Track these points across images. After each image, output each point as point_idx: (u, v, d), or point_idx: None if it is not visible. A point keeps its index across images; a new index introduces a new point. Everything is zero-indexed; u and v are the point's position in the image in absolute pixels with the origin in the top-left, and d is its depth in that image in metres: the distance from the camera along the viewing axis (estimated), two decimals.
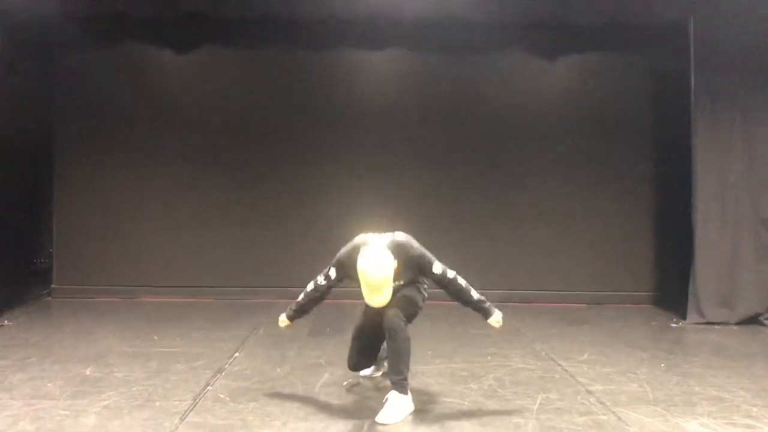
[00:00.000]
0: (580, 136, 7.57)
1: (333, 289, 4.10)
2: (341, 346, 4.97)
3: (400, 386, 3.74)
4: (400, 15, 6.84)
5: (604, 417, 3.78)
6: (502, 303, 7.16)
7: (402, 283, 3.91)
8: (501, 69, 7.63)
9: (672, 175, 7.38)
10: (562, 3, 6.72)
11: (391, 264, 3.69)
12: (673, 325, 6.50)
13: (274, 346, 5.37)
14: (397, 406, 3.70)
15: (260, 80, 7.64)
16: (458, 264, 7.66)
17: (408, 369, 3.81)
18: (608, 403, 4.01)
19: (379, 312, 3.84)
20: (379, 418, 3.64)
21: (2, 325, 5.98)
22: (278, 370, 4.66)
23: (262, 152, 7.59)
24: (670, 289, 7.28)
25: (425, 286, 4.16)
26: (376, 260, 3.66)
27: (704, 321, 6.48)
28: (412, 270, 3.91)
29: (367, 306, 3.99)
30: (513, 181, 7.61)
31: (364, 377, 4.47)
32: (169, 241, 7.57)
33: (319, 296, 4.11)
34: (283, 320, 4.24)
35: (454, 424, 3.64)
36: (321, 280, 4.06)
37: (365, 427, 3.58)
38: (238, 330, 5.91)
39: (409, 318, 3.94)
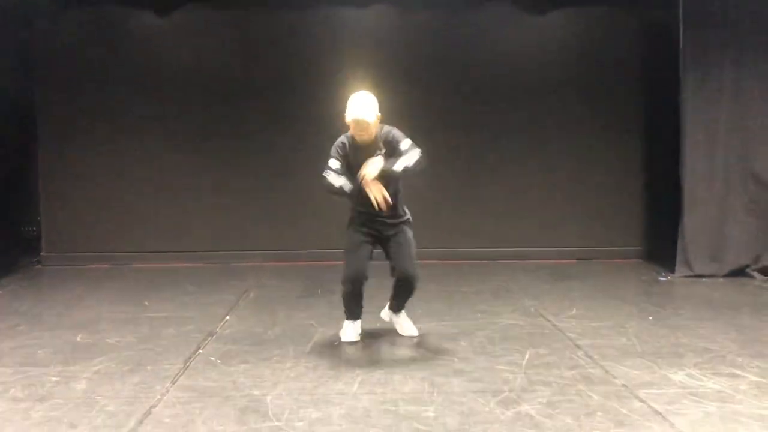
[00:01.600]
0: (569, 91, 7.49)
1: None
2: (332, 307, 5.00)
3: (403, 307, 4.57)
4: None
5: (592, 370, 3.82)
6: (492, 260, 7.32)
7: (383, 152, 4.13)
8: (488, 23, 7.50)
9: (661, 129, 7.34)
10: None
11: (376, 104, 4.10)
12: (662, 279, 6.55)
13: (265, 308, 5.38)
14: (409, 320, 4.60)
15: (243, 40, 7.50)
16: (447, 221, 7.70)
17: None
18: (596, 357, 4.05)
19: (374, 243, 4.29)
20: (409, 332, 4.53)
21: None
22: (269, 332, 4.68)
23: (247, 113, 7.49)
24: (660, 243, 7.30)
25: (410, 220, 4.41)
26: (365, 92, 4.12)
27: (693, 274, 6.51)
28: (390, 146, 4.13)
29: (358, 226, 4.27)
30: (501, 137, 7.56)
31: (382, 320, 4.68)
32: (158, 207, 7.52)
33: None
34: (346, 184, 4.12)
35: (443, 380, 3.67)
36: (335, 169, 4.12)
37: (355, 385, 3.60)
38: (228, 293, 5.92)
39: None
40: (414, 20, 7.48)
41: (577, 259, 7.46)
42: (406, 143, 4.09)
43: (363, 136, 4.08)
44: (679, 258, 6.61)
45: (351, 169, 4.14)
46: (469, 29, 7.48)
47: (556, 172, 7.57)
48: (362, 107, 4.03)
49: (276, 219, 7.53)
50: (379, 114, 4.13)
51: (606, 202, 7.59)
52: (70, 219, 7.46)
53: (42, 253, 7.49)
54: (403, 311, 4.60)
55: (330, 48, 7.44)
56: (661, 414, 3.16)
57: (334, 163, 4.13)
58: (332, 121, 7.34)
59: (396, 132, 4.16)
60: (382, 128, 4.18)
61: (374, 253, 4.36)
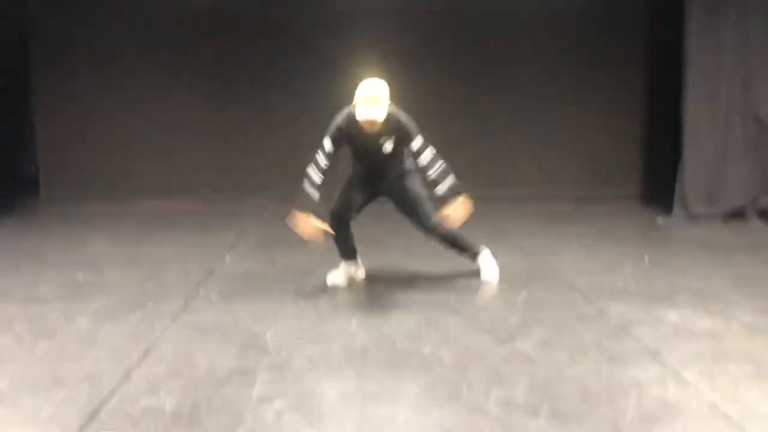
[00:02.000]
0: (569, 34, 7.38)
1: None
2: (332, 248, 5.01)
3: (477, 253, 4.46)
4: None
5: (586, 309, 3.89)
6: (490, 203, 7.31)
7: (390, 148, 4.10)
8: None
9: (663, 72, 7.25)
10: None
11: (387, 92, 3.99)
12: (659, 221, 6.58)
13: (265, 249, 5.43)
14: (492, 260, 4.45)
15: None
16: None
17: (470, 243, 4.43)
18: (591, 296, 4.11)
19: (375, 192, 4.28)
20: (489, 278, 4.39)
21: None
22: (269, 271, 4.74)
23: (251, 56, 7.39)
24: (659, 186, 7.30)
25: (413, 170, 4.28)
26: (376, 80, 4.00)
27: (690, 216, 6.54)
28: (398, 135, 4.07)
29: (357, 179, 4.27)
30: (500, 81, 7.47)
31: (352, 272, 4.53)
32: (158, 149, 7.49)
33: (325, 176, 4.11)
34: (312, 225, 4.10)
35: (439, 318, 3.73)
36: (321, 158, 4.07)
37: (353, 323, 3.66)
38: (228, 234, 5.96)
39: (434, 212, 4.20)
40: None
41: (575, 202, 7.45)
42: (417, 141, 4.04)
43: (371, 129, 3.97)
44: (676, 200, 6.63)
45: (350, 145, 4.13)
46: None
47: (555, 115, 7.52)
48: (372, 106, 3.88)
49: (276, 161, 7.49)
50: (389, 103, 4.01)
51: (604, 145, 7.57)
52: (69, 161, 7.45)
53: (41, 194, 7.49)
54: (479, 256, 4.46)
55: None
56: (652, 351, 3.22)
57: (327, 145, 4.05)
58: (335, 64, 7.29)
59: (404, 119, 4.05)
60: (388, 115, 4.00)
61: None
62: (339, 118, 4.08)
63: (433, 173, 4.03)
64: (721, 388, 2.82)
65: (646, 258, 5.09)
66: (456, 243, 4.39)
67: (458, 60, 7.45)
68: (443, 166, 4.04)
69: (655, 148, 7.50)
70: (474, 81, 7.48)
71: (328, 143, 4.06)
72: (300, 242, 5.59)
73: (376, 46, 7.21)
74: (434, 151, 4.06)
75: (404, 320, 3.72)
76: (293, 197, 7.39)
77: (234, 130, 7.52)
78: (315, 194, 4.06)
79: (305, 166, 7.69)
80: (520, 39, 7.40)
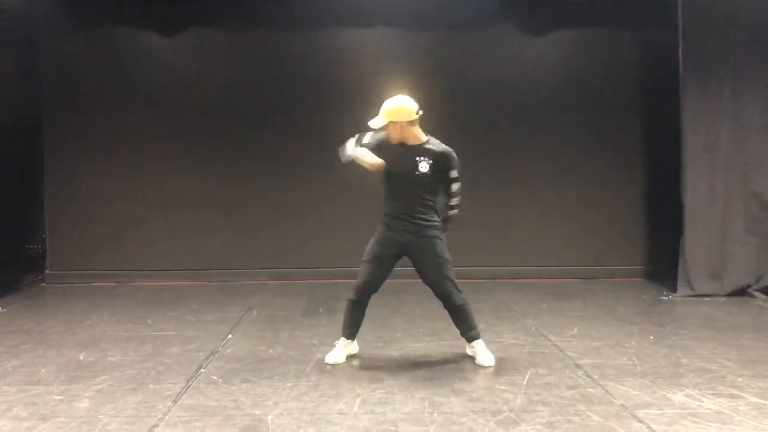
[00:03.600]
0: (569, 111, 7.56)
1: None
2: (334, 326, 5.01)
3: (477, 335, 4.40)
4: None
5: (592, 390, 3.84)
6: (492, 279, 7.33)
7: (425, 171, 4.16)
8: (489, 45, 7.60)
9: (662, 149, 7.38)
10: None
11: (416, 106, 4.23)
12: (663, 298, 6.56)
13: (267, 327, 5.41)
14: (485, 349, 4.37)
15: (248, 61, 7.59)
16: (449, 241, 7.72)
17: (476, 324, 4.41)
18: (596, 377, 4.07)
19: (397, 254, 4.30)
20: (484, 362, 4.30)
21: None
22: (271, 351, 4.70)
23: (252, 133, 7.57)
24: (661, 262, 7.34)
25: (439, 226, 4.36)
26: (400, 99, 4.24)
27: (694, 294, 6.53)
28: (435, 160, 4.19)
29: (384, 236, 4.29)
30: (502, 158, 7.61)
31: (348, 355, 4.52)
32: (162, 225, 7.58)
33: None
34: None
35: (443, 400, 3.69)
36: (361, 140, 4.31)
37: (356, 405, 3.63)
38: (231, 312, 5.95)
39: (455, 282, 4.31)
40: (416, 41, 7.56)
41: (579, 278, 7.47)
42: (455, 172, 4.23)
43: (396, 139, 4.18)
44: (680, 277, 6.63)
45: (385, 158, 4.25)
46: (471, 51, 7.57)
47: (557, 191, 7.61)
48: (394, 110, 4.16)
49: (279, 237, 7.58)
50: (417, 117, 4.22)
51: (607, 221, 7.62)
52: (75, 237, 7.51)
53: (47, 271, 7.53)
54: (476, 340, 4.40)
55: (334, 68, 7.52)
56: None
57: (367, 138, 4.27)
58: (337, 141, 7.44)
59: (447, 150, 4.24)
60: (429, 140, 4.26)
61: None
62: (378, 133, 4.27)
63: (452, 201, 4.29)
64: None
65: (651, 337, 5.06)
66: (468, 319, 4.38)
67: (457, 137, 7.45)
68: (459, 201, 4.32)
69: (659, 225, 7.56)
70: (473, 158, 7.54)
71: (367, 137, 4.28)
72: (303, 318, 5.64)
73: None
74: (460, 188, 4.28)
75: (407, 401, 3.68)
76: (297, 273, 7.41)
77: (239, 207, 7.61)
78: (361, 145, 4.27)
79: (310, 243, 7.76)
80: (520, 116, 7.56)
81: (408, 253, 4.27)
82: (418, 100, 7.42)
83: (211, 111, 7.55)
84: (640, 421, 3.35)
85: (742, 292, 6.57)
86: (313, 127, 7.39)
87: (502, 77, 7.57)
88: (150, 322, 5.62)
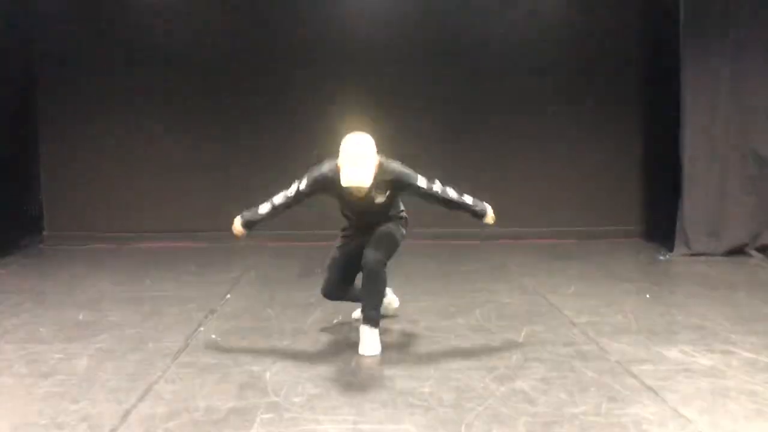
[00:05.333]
0: (567, 71, 7.48)
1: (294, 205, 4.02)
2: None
3: (374, 322, 3.87)
4: None
5: (587, 347, 3.87)
6: (490, 240, 7.34)
7: (383, 200, 3.84)
8: (486, 4, 7.47)
9: (661, 108, 7.31)
10: None
11: (374, 147, 3.68)
12: (661, 257, 6.58)
13: (265, 287, 5.44)
14: (375, 338, 3.85)
15: (248, 20, 7.45)
16: None
17: (381, 307, 3.97)
18: (591, 334, 4.10)
19: (358, 245, 3.94)
20: (363, 351, 3.80)
21: None
22: (269, 310, 4.74)
23: (254, 93, 7.48)
24: (659, 222, 7.32)
25: (405, 218, 4.14)
26: (360, 136, 3.71)
27: (691, 253, 6.54)
28: (393, 187, 3.83)
29: (343, 237, 4.13)
30: (500, 117, 7.54)
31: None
32: (160, 186, 7.54)
33: (281, 210, 4.04)
34: (238, 228, 4.12)
35: (439, 357, 3.73)
36: (291, 191, 3.94)
37: (353, 362, 3.66)
38: (229, 272, 5.97)
39: (389, 257, 3.93)
40: (409, 2, 7.43)
41: (577, 239, 7.48)
42: (422, 182, 3.80)
43: (358, 190, 3.67)
44: (677, 237, 6.64)
45: (336, 198, 3.95)
46: (466, 10, 7.44)
47: (555, 151, 7.57)
48: (357, 169, 3.55)
49: None
50: (378, 156, 3.71)
51: (605, 181, 7.60)
52: (71, 198, 7.49)
53: (44, 233, 7.54)
54: (366, 326, 3.84)
55: (328, 28, 7.41)
56: (653, 389, 3.21)
57: (300, 185, 3.89)
58: (330, 103, 7.40)
59: (397, 169, 3.77)
60: (380, 169, 3.69)
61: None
62: (326, 167, 3.79)
63: (458, 200, 3.97)
64: (723, 425, 2.81)
65: (648, 295, 5.09)
66: (375, 292, 3.88)
67: (454, 98, 7.52)
68: (454, 189, 3.98)
69: (656, 184, 7.53)
70: (471, 119, 7.55)
71: (302, 184, 3.86)
72: (300, 279, 5.67)
73: (374, 85, 7.32)
74: (440, 184, 3.90)
75: (404, 358, 3.72)
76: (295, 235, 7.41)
77: (236, 168, 7.57)
78: (252, 216, 4.09)
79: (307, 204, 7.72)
80: (517, 76, 7.46)
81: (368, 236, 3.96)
82: (413, 62, 7.46)
83: (207, 70, 7.45)
84: (634, 376, 3.39)
85: (739, 251, 6.58)
86: (314, 87, 7.30)
87: (500, 37, 7.45)
88: (149, 282, 5.65)
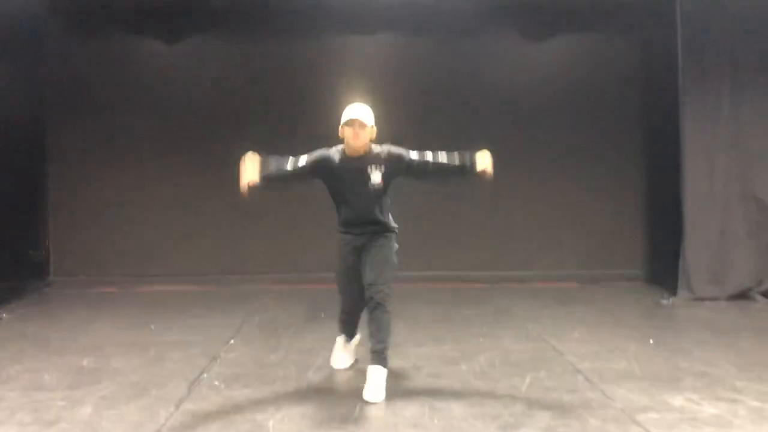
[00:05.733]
0: (569, 116, 7.60)
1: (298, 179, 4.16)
2: (334, 331, 5.02)
3: (383, 358, 3.89)
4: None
5: (592, 394, 3.86)
6: (494, 284, 7.36)
7: (378, 180, 3.93)
8: (490, 51, 7.65)
9: (661, 153, 7.41)
10: None
11: (373, 117, 3.96)
12: (664, 302, 6.57)
13: (269, 332, 5.44)
14: (382, 381, 3.84)
15: (250, 68, 7.65)
16: (449, 244, 7.77)
17: (390, 340, 3.96)
18: (596, 381, 4.08)
19: (357, 259, 4.02)
20: (368, 397, 3.78)
21: (0, 318, 6.04)
22: (272, 356, 4.73)
23: (255, 140, 7.51)
24: (662, 266, 7.34)
25: (396, 231, 4.12)
26: (361, 104, 3.98)
27: (694, 297, 6.54)
28: (388, 163, 3.94)
29: (344, 246, 4.07)
30: (503, 161, 7.53)
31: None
32: (165, 230, 7.62)
33: (291, 179, 4.16)
34: (253, 177, 4.00)
35: (443, 405, 3.70)
36: (297, 162, 4.02)
37: (357, 410, 3.65)
38: (233, 317, 5.97)
39: (391, 284, 3.99)
40: (418, 48, 7.64)
41: (580, 282, 7.49)
42: (413, 154, 3.94)
43: (357, 142, 3.85)
44: (680, 281, 6.65)
45: (334, 182, 4.03)
46: (470, 56, 7.63)
47: (557, 195, 7.65)
48: (359, 110, 3.91)
49: (281, 242, 7.62)
50: (374, 127, 3.99)
51: (607, 224, 7.66)
52: (77, 243, 7.57)
53: (50, 277, 7.58)
54: (375, 366, 3.86)
55: (335, 75, 7.55)
56: None
57: (301, 160, 3.98)
58: (335, 145, 7.47)
59: (394, 148, 3.99)
60: (375, 147, 3.96)
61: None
62: (328, 150, 4.01)
63: (449, 161, 4.00)
64: None
65: (651, 340, 5.07)
66: (382, 330, 3.91)
67: (459, 141, 7.50)
68: (445, 152, 4.00)
69: (659, 229, 7.58)
70: None
71: (302, 159, 3.97)
72: (304, 324, 5.67)
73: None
74: (430, 153, 3.97)
75: (407, 406, 3.70)
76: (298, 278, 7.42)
77: (240, 213, 7.62)
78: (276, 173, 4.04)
79: (311, 248, 7.77)
80: (521, 121, 7.61)
81: (362, 249, 4.04)
82: (417, 105, 7.58)
83: (211, 117, 7.61)
84: (639, 425, 3.37)
85: (742, 295, 6.59)
86: (316, 134, 7.35)
87: (502, 82, 7.62)
88: (153, 327, 5.65)
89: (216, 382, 4.14)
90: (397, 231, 4.16)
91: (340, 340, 4.49)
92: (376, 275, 3.92)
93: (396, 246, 4.13)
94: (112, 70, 7.56)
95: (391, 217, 4.15)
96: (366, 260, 3.99)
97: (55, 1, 6.59)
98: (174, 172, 7.61)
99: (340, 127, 3.95)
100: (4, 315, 6.14)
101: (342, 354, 4.47)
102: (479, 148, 7.35)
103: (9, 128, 6.95)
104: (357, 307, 4.25)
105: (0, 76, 6.48)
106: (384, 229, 4.07)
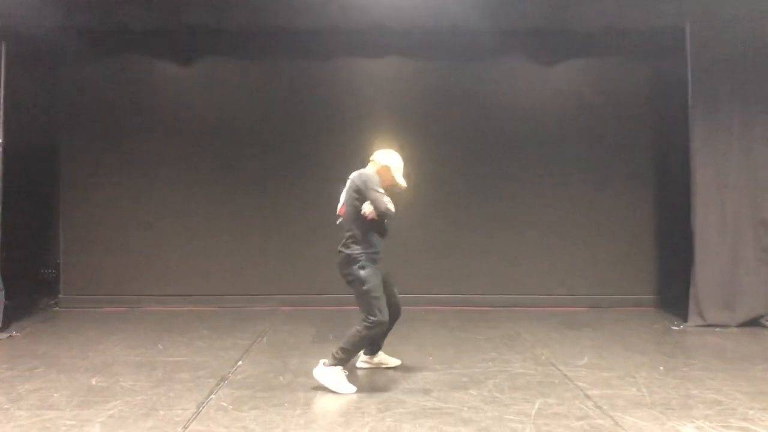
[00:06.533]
0: (579, 140, 7.63)
1: None
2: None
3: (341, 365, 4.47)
4: (399, 23, 6.91)
5: (601, 421, 3.83)
6: (503, 308, 7.34)
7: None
8: (500, 75, 7.70)
9: (672, 178, 7.43)
10: (560, 9, 6.78)
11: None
12: (674, 328, 6.53)
13: (277, 354, 5.43)
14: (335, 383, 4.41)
15: (262, 90, 7.73)
16: (459, 268, 7.78)
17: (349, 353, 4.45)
18: (605, 407, 4.05)
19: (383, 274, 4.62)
20: (318, 377, 4.43)
21: (10, 336, 6.08)
22: (280, 378, 4.73)
23: (264, 161, 7.68)
24: (672, 291, 7.32)
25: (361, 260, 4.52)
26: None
27: (705, 323, 6.50)
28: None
29: (375, 265, 4.55)
30: (513, 186, 7.67)
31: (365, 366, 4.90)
32: (174, 251, 7.66)
33: None
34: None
35: (452, 429, 3.69)
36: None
37: None
38: (241, 338, 5.98)
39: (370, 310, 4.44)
40: (428, 72, 7.69)
41: (589, 307, 7.46)
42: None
43: (388, 177, 4.69)
44: (691, 307, 6.61)
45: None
46: (481, 81, 7.69)
47: (568, 220, 7.64)
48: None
49: (290, 264, 7.63)
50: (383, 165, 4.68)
51: (618, 250, 7.63)
52: (88, 262, 7.60)
53: (60, 296, 7.61)
54: (336, 367, 4.48)
55: (346, 97, 7.64)
56: None
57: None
58: (348, 169, 7.50)
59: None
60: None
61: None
62: (373, 177, 4.55)
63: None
64: None
65: (661, 367, 5.04)
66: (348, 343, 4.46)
67: (470, 165, 7.68)
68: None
69: (669, 254, 7.56)
70: (487, 186, 7.68)
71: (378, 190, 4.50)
72: (312, 345, 5.66)
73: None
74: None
75: (416, 430, 3.68)
76: (310, 298, 7.45)
77: (249, 234, 7.69)
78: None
79: (320, 270, 7.78)
80: (531, 145, 7.64)
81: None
82: (430, 130, 7.63)
83: (223, 139, 7.68)
84: None
85: (754, 322, 6.54)
86: (327, 156, 7.46)
87: (513, 107, 7.66)
88: (161, 347, 5.67)
89: (224, 404, 4.14)
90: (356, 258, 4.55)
91: (343, 372, 4.50)
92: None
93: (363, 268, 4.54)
94: (125, 92, 7.66)
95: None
96: (389, 279, 4.65)
97: (71, 21, 6.68)
98: (185, 194, 7.67)
99: (390, 168, 4.66)
100: (14, 333, 6.18)
101: (342, 380, 4.49)
102: (490, 172, 7.48)
103: (23, 149, 7.03)
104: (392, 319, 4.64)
105: (13, 97, 6.56)
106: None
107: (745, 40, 6.59)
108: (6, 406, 4.05)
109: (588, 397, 4.29)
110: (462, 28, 6.98)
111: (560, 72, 7.72)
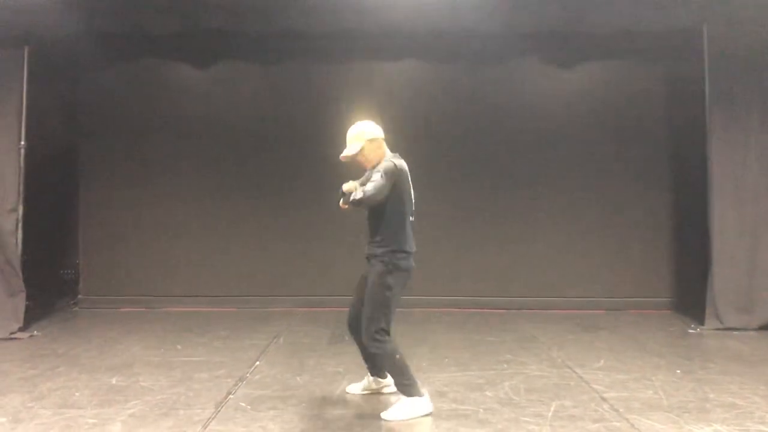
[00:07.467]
0: (596, 143, 7.62)
1: None
2: (359, 354, 5.05)
3: (403, 391, 3.97)
4: (415, 27, 6.95)
5: (617, 424, 3.83)
6: (518, 310, 7.35)
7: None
8: (516, 78, 7.71)
9: (689, 180, 7.38)
10: (577, 12, 6.77)
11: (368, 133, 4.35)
12: (691, 331, 6.50)
13: (294, 354, 5.48)
14: (403, 407, 3.93)
15: (279, 93, 7.78)
16: (476, 271, 7.78)
17: (405, 377, 3.96)
18: (622, 410, 4.05)
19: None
20: (383, 414, 3.91)
21: (32, 336, 6.17)
22: (298, 378, 4.77)
23: (283, 163, 7.74)
24: (689, 294, 7.28)
25: (391, 265, 3.98)
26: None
27: (723, 327, 6.47)
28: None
29: (409, 272, 4.08)
30: (530, 188, 7.67)
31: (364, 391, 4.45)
32: (193, 252, 7.74)
33: None
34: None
35: (468, 431, 3.71)
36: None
37: None
38: (259, 339, 6.03)
39: (381, 321, 3.92)
40: (444, 74, 7.73)
41: (606, 309, 7.44)
42: (377, 176, 4.04)
43: (372, 152, 4.37)
44: (708, 310, 6.57)
45: (405, 192, 4.26)
46: (498, 83, 7.70)
47: (585, 222, 7.64)
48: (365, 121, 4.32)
49: (307, 265, 7.69)
50: (370, 139, 4.32)
51: (635, 252, 7.61)
52: (107, 263, 7.70)
53: (79, 296, 7.71)
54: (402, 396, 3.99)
55: (364, 100, 7.64)
56: None
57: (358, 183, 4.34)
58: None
59: (382, 164, 4.15)
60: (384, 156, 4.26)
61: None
62: (396, 161, 4.15)
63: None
64: None
65: (678, 370, 5.02)
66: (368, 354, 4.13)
67: (487, 167, 7.69)
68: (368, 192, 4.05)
69: (687, 257, 7.52)
70: (503, 188, 7.69)
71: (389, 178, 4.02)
72: (329, 346, 5.70)
73: (402, 156, 7.47)
74: (374, 186, 4.11)
75: None
76: (327, 299, 7.49)
77: (268, 235, 7.75)
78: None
79: (337, 271, 7.83)
80: (546, 150, 7.65)
81: None
82: (447, 131, 7.65)
83: (241, 141, 7.75)
84: None
85: None
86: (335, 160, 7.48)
87: (529, 109, 7.67)
88: (179, 347, 5.73)
89: (242, 404, 4.18)
90: (389, 261, 4.06)
91: (419, 399, 4.01)
92: (363, 316, 4.06)
93: (390, 281, 4.06)
94: (144, 94, 7.76)
95: (388, 242, 4.10)
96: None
97: (92, 26, 6.77)
98: (203, 196, 7.75)
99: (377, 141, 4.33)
100: (36, 332, 6.27)
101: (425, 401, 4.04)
102: (506, 174, 7.48)
103: (43, 151, 7.13)
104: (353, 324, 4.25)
105: (35, 100, 6.66)
106: (373, 250, 4.17)
107: (762, 41, 6.55)
108: (29, 405, 4.13)
109: (604, 399, 4.29)
110: (478, 31, 7.01)
111: (577, 74, 7.71)
